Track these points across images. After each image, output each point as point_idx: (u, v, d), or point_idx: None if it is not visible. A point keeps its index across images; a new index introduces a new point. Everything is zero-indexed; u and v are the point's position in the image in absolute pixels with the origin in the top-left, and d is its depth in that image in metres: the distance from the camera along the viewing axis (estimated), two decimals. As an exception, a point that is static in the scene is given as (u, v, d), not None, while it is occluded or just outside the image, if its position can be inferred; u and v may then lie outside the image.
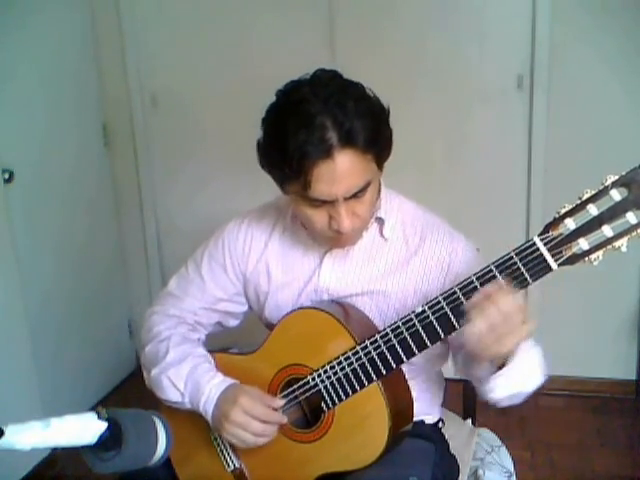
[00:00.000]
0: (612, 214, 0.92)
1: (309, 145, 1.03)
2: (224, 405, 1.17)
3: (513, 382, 1.09)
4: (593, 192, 0.93)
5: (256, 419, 1.15)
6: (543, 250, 0.96)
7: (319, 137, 1.03)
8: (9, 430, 0.72)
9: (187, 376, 1.22)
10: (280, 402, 1.19)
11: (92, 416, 0.80)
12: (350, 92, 1.08)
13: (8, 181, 2.30)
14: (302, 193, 1.09)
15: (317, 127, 1.03)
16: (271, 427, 1.17)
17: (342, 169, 1.05)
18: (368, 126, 1.06)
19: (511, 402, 1.14)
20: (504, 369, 1.07)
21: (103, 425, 0.80)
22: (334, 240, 1.18)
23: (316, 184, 1.06)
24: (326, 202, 1.09)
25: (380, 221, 1.25)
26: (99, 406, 0.83)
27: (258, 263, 1.30)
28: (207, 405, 1.19)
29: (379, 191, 1.23)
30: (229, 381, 1.21)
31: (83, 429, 0.78)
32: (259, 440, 1.17)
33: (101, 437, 0.80)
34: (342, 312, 1.20)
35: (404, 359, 1.09)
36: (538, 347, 1.13)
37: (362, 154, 1.06)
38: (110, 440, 0.81)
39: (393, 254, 1.24)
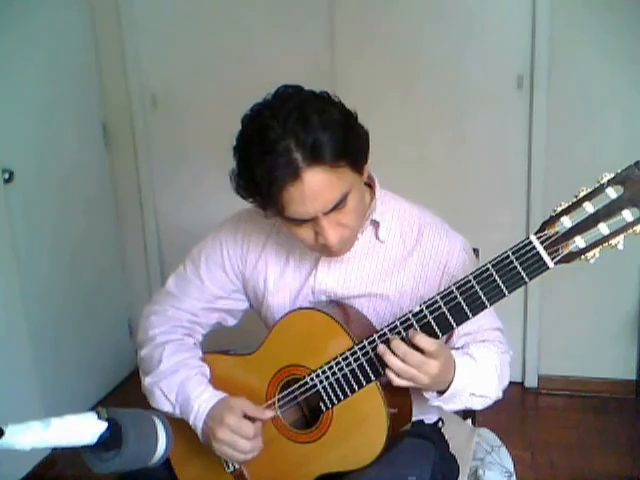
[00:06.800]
0: (608, 212, 0.92)
1: (275, 171, 1.03)
2: (211, 423, 1.17)
3: (452, 407, 1.17)
4: (589, 190, 0.93)
5: (243, 437, 1.16)
6: (539, 248, 0.96)
7: (284, 161, 1.02)
8: (9, 430, 0.72)
9: (178, 389, 1.23)
10: (269, 414, 1.19)
11: (92, 416, 0.80)
12: (311, 106, 1.05)
13: (8, 181, 2.30)
14: (280, 216, 1.10)
15: (281, 152, 1.02)
16: (259, 442, 1.18)
17: (312, 187, 1.04)
18: (334, 136, 1.04)
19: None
20: (440, 399, 1.14)
21: (103, 425, 0.80)
22: (325, 252, 1.18)
23: (289, 206, 1.06)
24: (307, 220, 1.09)
25: (375, 224, 1.24)
26: (99, 406, 0.83)
27: (257, 264, 1.30)
28: (196, 421, 1.20)
29: (373, 193, 1.22)
30: (218, 396, 1.21)
31: (83, 429, 0.79)
32: (248, 456, 1.18)
33: (101, 437, 0.80)
34: (340, 312, 1.20)
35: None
36: (495, 361, 1.19)
37: (332, 167, 1.04)
38: (110, 440, 0.81)
39: (390, 255, 1.24)
